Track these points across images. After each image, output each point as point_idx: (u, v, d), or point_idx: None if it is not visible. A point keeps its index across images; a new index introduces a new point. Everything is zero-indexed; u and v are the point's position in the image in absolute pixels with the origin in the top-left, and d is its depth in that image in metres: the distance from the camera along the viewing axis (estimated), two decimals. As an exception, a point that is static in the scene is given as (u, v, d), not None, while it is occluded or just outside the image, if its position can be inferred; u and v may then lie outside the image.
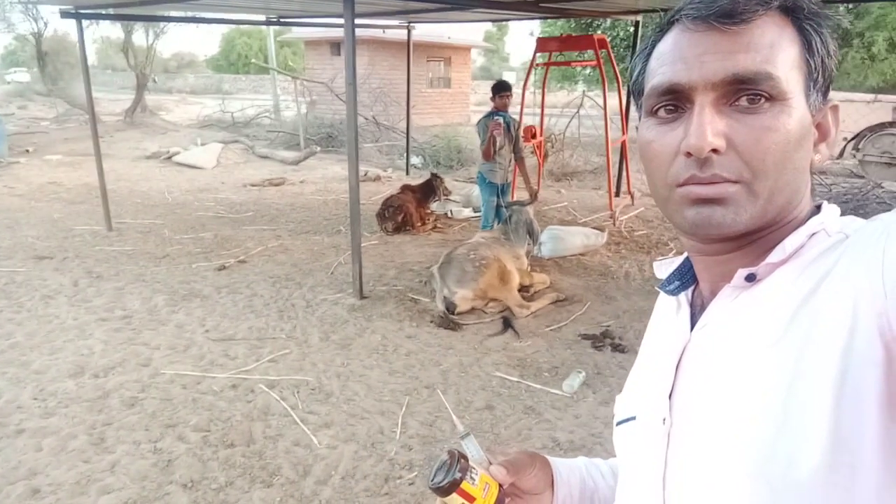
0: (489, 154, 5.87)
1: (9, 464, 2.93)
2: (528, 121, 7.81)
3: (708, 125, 0.59)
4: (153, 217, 7.96)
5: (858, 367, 0.52)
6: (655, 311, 0.82)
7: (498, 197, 6.07)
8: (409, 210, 7.30)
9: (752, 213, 0.61)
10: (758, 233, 0.64)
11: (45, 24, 17.78)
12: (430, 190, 7.76)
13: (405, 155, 11.55)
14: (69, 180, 10.27)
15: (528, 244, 5.51)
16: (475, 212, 7.97)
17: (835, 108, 0.67)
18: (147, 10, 8.86)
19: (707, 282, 0.71)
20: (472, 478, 0.74)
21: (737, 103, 0.60)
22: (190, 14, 9.42)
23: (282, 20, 9.01)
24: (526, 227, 5.45)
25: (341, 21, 4.92)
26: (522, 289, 5.15)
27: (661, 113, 0.65)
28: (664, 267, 0.79)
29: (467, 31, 19.09)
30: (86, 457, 2.99)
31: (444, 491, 0.73)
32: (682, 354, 0.69)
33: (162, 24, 16.75)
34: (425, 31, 14.17)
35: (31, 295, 5.15)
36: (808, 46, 0.62)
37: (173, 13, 10.32)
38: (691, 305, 0.73)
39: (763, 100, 0.60)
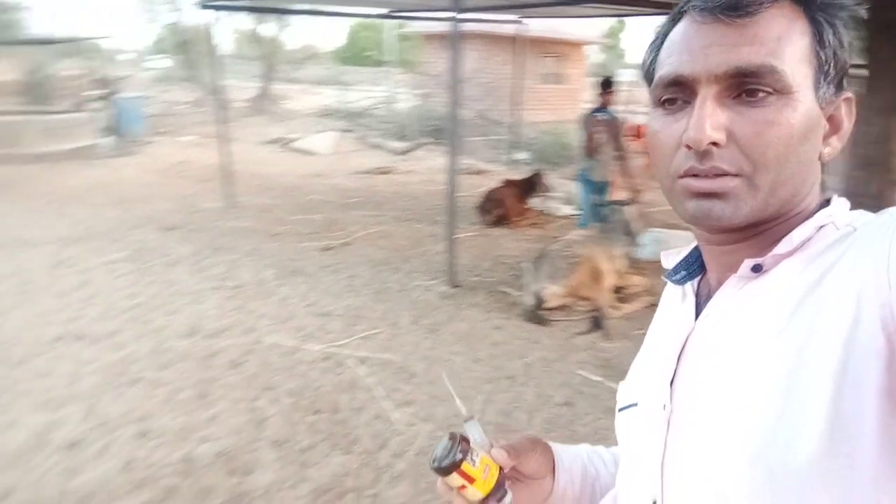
0: (590, 151, 5.80)
1: (124, 408, 3.28)
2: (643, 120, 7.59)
3: (708, 118, 0.59)
4: (270, 197, 8.49)
5: (860, 358, 0.52)
6: (662, 302, 0.82)
7: (597, 195, 5.99)
8: (508, 204, 7.34)
9: (752, 207, 0.61)
10: (763, 224, 0.64)
11: (189, 15, 19.25)
12: (531, 186, 7.76)
13: (511, 150, 11.57)
14: (198, 160, 11.13)
15: (626, 245, 5.41)
16: (576, 209, 7.88)
17: (849, 101, 0.65)
18: (273, 2, 9.41)
19: (714, 271, 0.71)
20: (472, 459, 0.75)
21: (740, 96, 0.60)
22: (310, 7, 9.92)
23: (395, 14, 9.30)
24: (623, 228, 5.35)
25: (452, 15, 5.03)
26: (617, 290, 5.07)
27: (667, 104, 0.65)
28: (671, 257, 0.79)
29: (584, 27, 18.68)
30: (190, 408, 3.29)
31: (444, 471, 0.74)
32: (685, 343, 0.69)
33: (288, 17, 17.67)
34: (540, 26, 14.06)
35: (157, 261, 5.67)
36: (819, 38, 0.61)
37: (297, 6, 10.89)
38: (697, 295, 0.73)
39: (766, 93, 0.59)
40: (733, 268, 0.65)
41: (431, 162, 12.13)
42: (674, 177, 0.64)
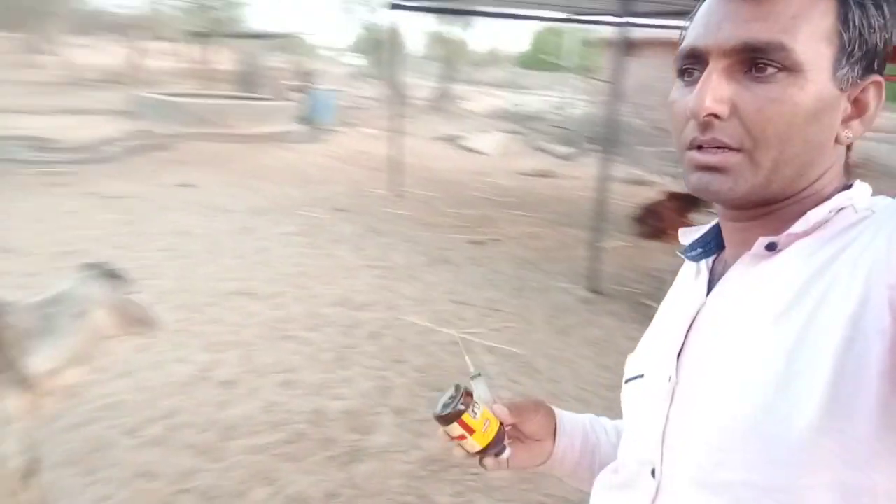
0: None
1: (274, 359, 3.71)
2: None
3: (710, 90, 0.60)
4: (433, 190, 8.91)
5: (865, 337, 0.52)
6: (677, 279, 0.82)
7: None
8: (667, 217, 7.07)
9: (752, 183, 0.61)
10: (773, 203, 0.64)
11: (383, 16, 20.61)
12: (694, 200, 7.38)
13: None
14: (375, 151, 11.94)
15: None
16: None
17: (878, 84, 0.64)
18: (458, 4, 9.82)
19: (732, 247, 0.71)
20: (473, 412, 0.77)
21: (749, 72, 0.60)
22: (493, 9, 10.20)
23: (574, 18, 9.29)
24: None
25: (632, 21, 4.98)
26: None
27: (685, 75, 0.66)
28: (690, 234, 0.79)
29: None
30: (328, 368, 3.64)
31: (446, 420, 0.77)
32: (695, 317, 0.70)
33: (471, 19, 18.23)
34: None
35: (324, 237, 6.23)
36: (843, 18, 0.60)
37: (480, 8, 11.25)
38: (711, 272, 0.74)
39: (774, 70, 0.59)
40: (747, 245, 0.65)
41: (595, 169, 11.96)
42: (683, 148, 0.65)
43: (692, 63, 0.64)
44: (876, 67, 0.63)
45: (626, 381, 0.80)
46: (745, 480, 0.57)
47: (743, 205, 0.65)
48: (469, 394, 0.79)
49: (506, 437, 0.81)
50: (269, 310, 4.41)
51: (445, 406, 0.77)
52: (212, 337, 3.93)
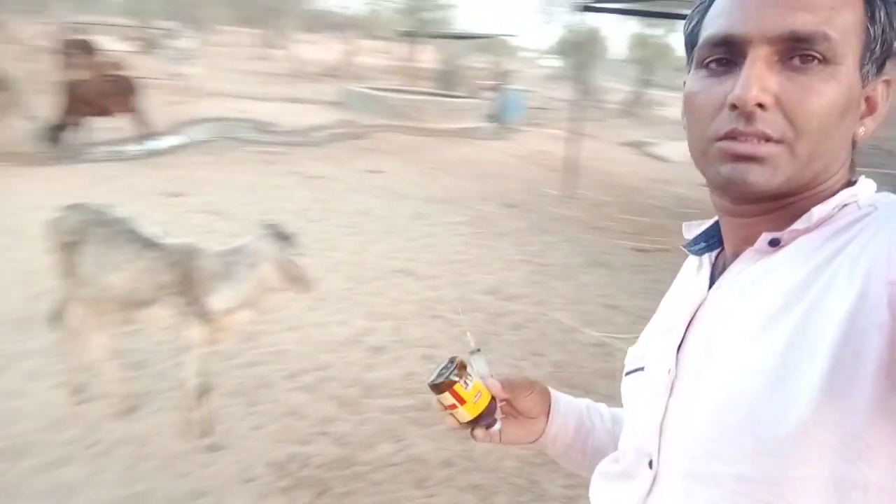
0: None
1: (421, 334, 4.00)
2: None
3: (757, 78, 0.58)
4: (605, 194, 8.79)
5: (862, 331, 0.52)
6: (680, 273, 0.80)
7: None
8: None
9: (788, 175, 0.60)
10: (788, 197, 0.63)
11: (582, 18, 20.46)
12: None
13: (905, 187, 9.71)
14: (555, 151, 11.97)
15: None
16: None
17: (888, 83, 0.64)
18: (658, 6, 9.50)
19: (731, 244, 0.70)
20: (465, 383, 0.79)
21: (789, 61, 0.59)
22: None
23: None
24: None
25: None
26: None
27: (713, 65, 0.64)
28: (693, 228, 0.78)
29: None
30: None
31: (437, 388, 0.79)
32: (696, 311, 0.69)
33: (675, 22, 17.42)
34: None
35: (489, 230, 6.47)
36: (870, 14, 0.60)
37: (683, 10, 10.75)
38: (713, 267, 0.73)
39: (816, 61, 0.58)
40: (751, 241, 0.65)
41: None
42: (711, 139, 0.63)
43: (724, 52, 0.62)
44: (885, 66, 0.63)
45: (627, 374, 0.80)
46: (737, 473, 0.58)
47: (767, 198, 0.63)
48: (463, 366, 0.81)
49: (498, 412, 0.83)
50: (425, 290, 4.72)
51: (440, 375, 0.80)
52: (372, 307, 4.32)
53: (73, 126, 7.79)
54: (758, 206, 0.65)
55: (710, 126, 0.62)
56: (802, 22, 0.58)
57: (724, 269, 0.70)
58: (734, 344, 0.61)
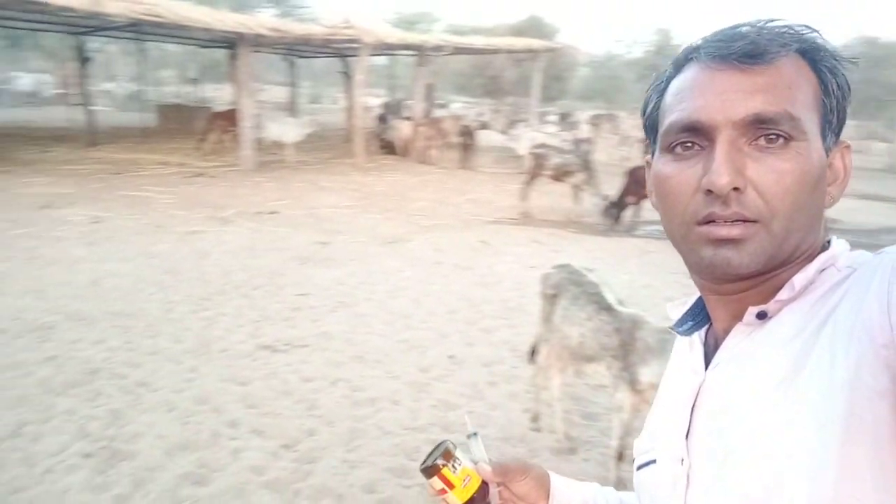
0: None
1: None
2: None
3: (730, 163, 0.59)
4: None
5: (866, 400, 0.51)
6: (673, 353, 0.80)
7: None
8: None
9: (770, 253, 0.61)
10: (771, 271, 0.63)
11: None
12: None
13: None
14: None
15: None
16: None
17: (847, 149, 0.66)
18: None
19: (720, 321, 0.69)
20: (453, 467, 0.80)
21: (756, 142, 0.60)
22: None
23: None
24: None
25: None
26: None
27: (678, 149, 0.64)
28: (677, 308, 0.77)
29: None
30: None
31: (427, 473, 0.81)
32: (697, 394, 0.68)
33: None
34: None
35: None
36: (824, 88, 0.62)
37: None
38: (705, 345, 0.72)
39: (782, 139, 0.59)
40: (739, 316, 0.65)
41: None
42: (690, 223, 0.63)
43: (690, 136, 0.63)
44: (841, 133, 0.65)
45: (639, 468, 0.78)
46: None
47: (750, 276, 0.64)
48: (448, 452, 0.82)
49: (495, 496, 0.83)
50: None
51: (428, 458, 0.82)
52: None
53: (629, 205, 8.90)
54: (742, 283, 0.65)
55: (688, 210, 0.63)
56: (765, 104, 0.59)
57: (716, 345, 0.70)
58: (740, 428, 0.60)
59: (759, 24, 0.62)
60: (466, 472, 0.81)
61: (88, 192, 9.17)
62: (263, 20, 13.00)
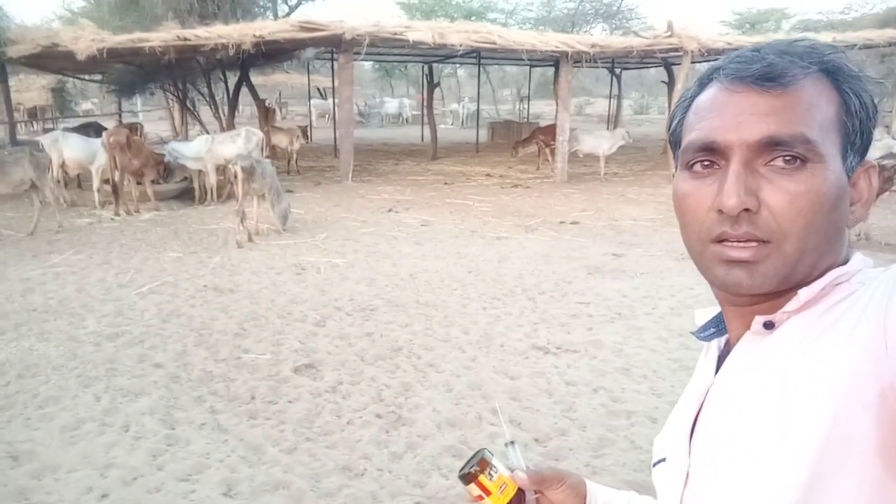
0: None
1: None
2: None
3: (741, 185, 0.60)
4: None
5: (853, 413, 0.53)
6: (699, 359, 0.81)
7: None
8: None
9: (782, 275, 0.62)
10: (789, 290, 0.63)
11: None
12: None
13: None
14: None
15: None
16: None
17: (871, 169, 0.66)
18: None
19: (734, 329, 0.71)
20: (490, 474, 0.82)
21: (772, 163, 0.61)
22: None
23: None
24: None
25: None
26: None
27: (697, 167, 0.66)
28: (705, 315, 0.79)
29: None
30: None
31: (465, 479, 0.83)
32: (705, 397, 0.71)
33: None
34: None
35: None
36: (846, 108, 0.62)
37: None
38: (721, 352, 0.75)
39: (798, 161, 0.60)
40: (749, 326, 0.66)
41: None
42: (705, 241, 0.65)
43: (706, 156, 0.65)
44: (866, 153, 0.64)
45: (654, 465, 0.81)
46: None
47: (765, 295, 0.65)
48: (485, 460, 0.84)
49: (528, 503, 0.85)
50: None
51: (466, 465, 0.85)
52: None
53: None
54: (759, 296, 0.66)
55: (703, 228, 0.65)
56: (780, 126, 0.60)
57: (728, 353, 0.72)
58: (735, 432, 0.63)
59: (782, 46, 0.64)
60: (503, 479, 0.84)
61: (423, 199, 10.68)
62: (583, 38, 13.43)
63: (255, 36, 10.51)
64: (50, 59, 12.31)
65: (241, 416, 3.60)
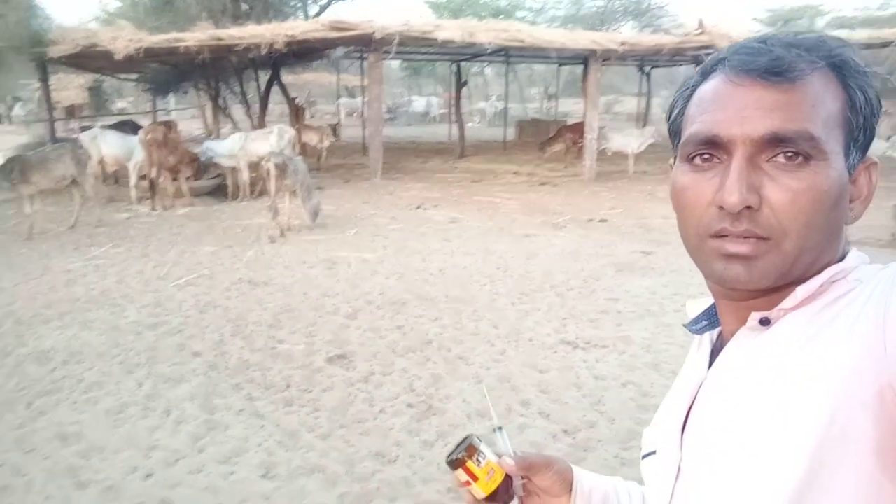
0: None
1: None
2: None
3: (744, 181, 0.59)
4: None
5: (851, 411, 0.53)
6: (689, 352, 0.80)
7: None
8: None
9: (780, 271, 0.61)
10: (784, 286, 0.63)
11: None
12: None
13: None
14: None
15: None
16: None
17: (873, 166, 0.65)
18: None
19: (728, 324, 0.70)
20: (477, 461, 0.82)
21: (775, 159, 0.60)
22: None
23: None
24: None
25: None
26: None
27: (697, 160, 0.64)
28: (698, 305, 0.78)
29: None
30: None
31: (452, 465, 0.83)
32: (697, 391, 0.70)
33: None
34: None
35: None
36: (851, 104, 0.61)
37: None
38: (714, 346, 0.74)
39: (801, 158, 0.59)
40: (745, 321, 0.65)
41: None
42: (703, 236, 0.64)
43: (708, 149, 0.63)
44: (868, 150, 0.64)
45: (643, 457, 0.81)
46: None
47: (762, 290, 0.64)
48: (473, 446, 0.83)
49: (519, 489, 0.86)
50: None
51: (449, 452, 0.85)
52: None
53: None
54: (753, 292, 0.65)
55: (702, 222, 0.64)
56: (784, 122, 0.59)
57: (722, 348, 0.71)
58: (730, 429, 0.62)
59: (789, 38, 0.62)
60: (490, 465, 0.83)
61: (451, 196, 10.74)
62: (613, 35, 13.36)
63: (287, 35, 10.68)
64: (88, 59, 12.63)
65: (277, 404, 3.70)
